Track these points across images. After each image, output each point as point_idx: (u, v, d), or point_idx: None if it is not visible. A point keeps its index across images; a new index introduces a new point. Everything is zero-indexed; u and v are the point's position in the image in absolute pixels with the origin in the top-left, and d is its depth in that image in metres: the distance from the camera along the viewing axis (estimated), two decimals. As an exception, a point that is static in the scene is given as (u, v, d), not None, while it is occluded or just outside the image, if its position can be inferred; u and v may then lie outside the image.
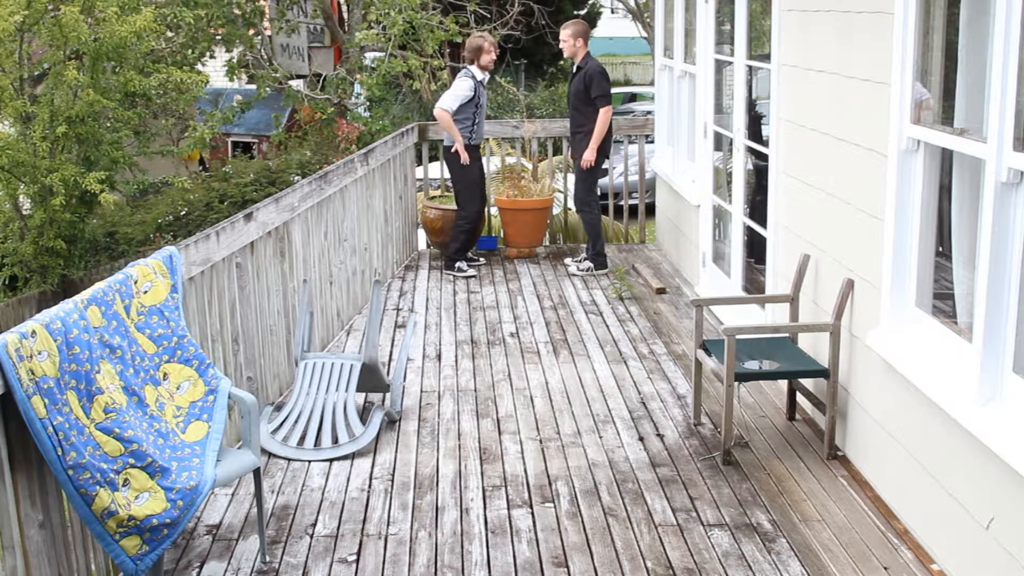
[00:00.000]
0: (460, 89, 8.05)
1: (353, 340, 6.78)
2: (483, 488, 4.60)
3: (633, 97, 21.29)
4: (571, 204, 10.04)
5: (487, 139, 9.83)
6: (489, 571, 3.92)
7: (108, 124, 10.91)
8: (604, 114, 7.89)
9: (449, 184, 12.42)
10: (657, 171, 9.33)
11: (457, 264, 8.45)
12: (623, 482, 4.61)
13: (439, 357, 6.41)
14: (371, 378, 5.34)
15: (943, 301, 4.14)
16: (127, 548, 3.37)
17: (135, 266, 3.88)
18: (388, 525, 4.29)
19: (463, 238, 8.52)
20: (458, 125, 8.01)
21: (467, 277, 8.35)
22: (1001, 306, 3.40)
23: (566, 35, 8.07)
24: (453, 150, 8.13)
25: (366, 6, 13.42)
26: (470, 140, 8.15)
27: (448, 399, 5.70)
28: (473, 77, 8.04)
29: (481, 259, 8.83)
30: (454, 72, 21.15)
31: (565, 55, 8.14)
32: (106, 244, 11.96)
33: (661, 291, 7.75)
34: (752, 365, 4.88)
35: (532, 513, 4.36)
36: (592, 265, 8.32)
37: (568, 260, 8.58)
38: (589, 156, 7.98)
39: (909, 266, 4.14)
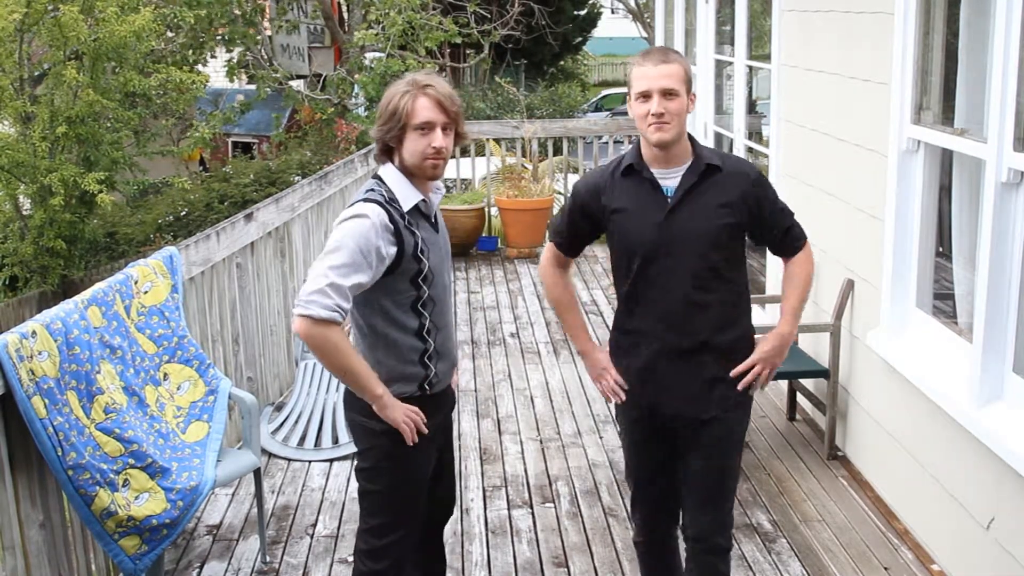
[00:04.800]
0: (348, 243, 2.74)
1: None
2: (483, 488, 4.60)
3: None
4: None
5: (486, 140, 9.80)
6: (489, 571, 3.92)
7: (108, 124, 10.91)
8: (809, 253, 3.12)
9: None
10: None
11: None
12: (623, 482, 4.61)
13: (439, 357, 6.40)
14: (371, 378, 5.33)
15: (943, 301, 4.14)
16: (126, 548, 3.37)
17: (135, 266, 3.88)
18: (388, 525, 4.29)
19: None
20: (377, 350, 2.93)
21: None
22: (1001, 306, 3.40)
23: (673, 77, 2.86)
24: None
25: (366, 6, 13.43)
26: (426, 385, 2.95)
27: (448, 399, 5.69)
28: (389, 201, 2.83)
29: None
30: (454, 73, 21.21)
31: (667, 135, 2.88)
32: (106, 244, 11.97)
33: (661, 291, 7.74)
34: (752, 365, 4.87)
35: (532, 513, 4.36)
36: None
37: None
38: (777, 351, 3.03)
39: (909, 266, 4.14)
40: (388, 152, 2.89)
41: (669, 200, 2.89)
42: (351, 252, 2.73)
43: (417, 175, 2.87)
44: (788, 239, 3.06)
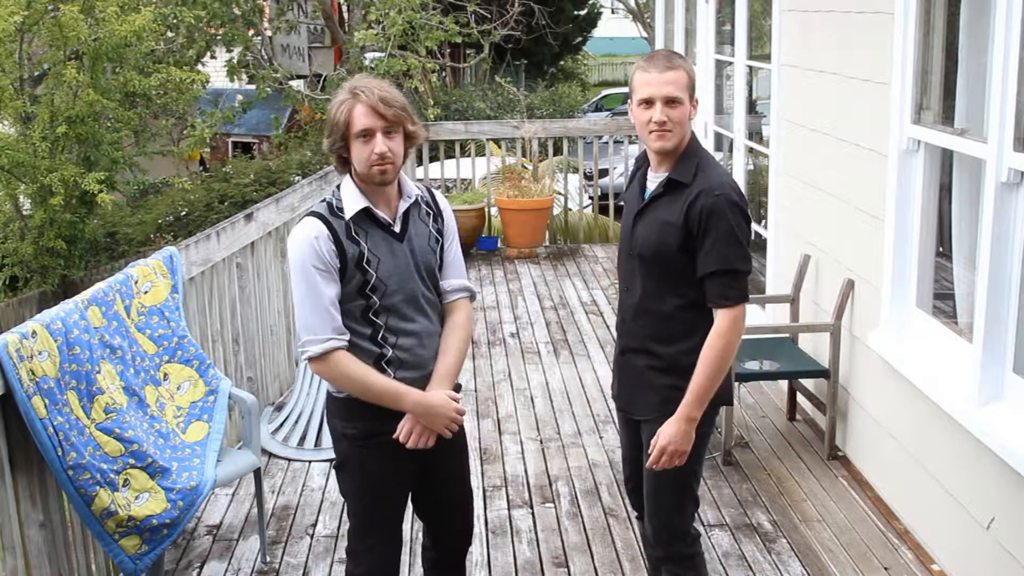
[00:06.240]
0: (296, 274, 2.79)
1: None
2: (483, 488, 4.60)
3: None
4: (571, 206, 10.06)
5: (486, 140, 9.81)
6: (489, 571, 3.92)
7: (108, 124, 10.91)
8: (733, 323, 2.88)
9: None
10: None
11: None
12: (623, 482, 4.61)
13: (439, 357, 6.39)
14: (371, 378, 5.33)
15: (943, 301, 4.14)
16: (126, 548, 3.37)
17: (135, 266, 3.88)
18: (388, 525, 4.29)
19: None
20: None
21: None
22: (1001, 306, 3.40)
23: (677, 84, 2.78)
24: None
25: (366, 6, 13.42)
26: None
27: (448, 399, 5.69)
28: (337, 210, 2.82)
29: None
30: (454, 73, 21.14)
31: (668, 144, 2.82)
32: (106, 244, 11.97)
33: (661, 291, 7.73)
34: (752, 365, 4.88)
35: (532, 513, 4.36)
36: None
37: None
38: (678, 439, 2.85)
39: (909, 266, 4.14)
40: (344, 163, 2.83)
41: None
42: (304, 279, 2.75)
43: (368, 182, 2.80)
44: (708, 286, 2.81)
